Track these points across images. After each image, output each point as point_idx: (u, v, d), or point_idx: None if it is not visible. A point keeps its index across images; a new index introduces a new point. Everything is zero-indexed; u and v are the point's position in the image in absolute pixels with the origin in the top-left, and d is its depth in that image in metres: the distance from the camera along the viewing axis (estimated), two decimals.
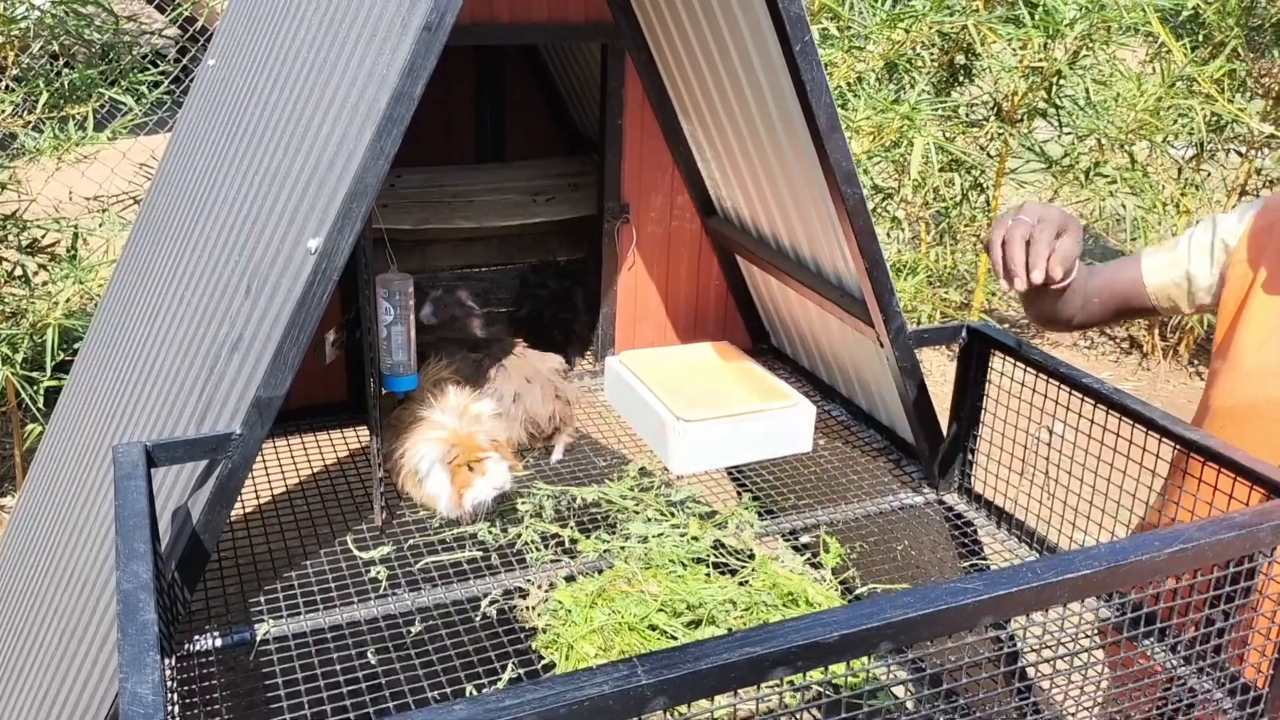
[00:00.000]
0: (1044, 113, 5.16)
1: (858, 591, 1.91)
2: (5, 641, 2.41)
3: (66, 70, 4.17)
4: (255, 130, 2.08)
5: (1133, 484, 1.75)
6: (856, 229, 1.87)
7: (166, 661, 1.39)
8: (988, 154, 5.45)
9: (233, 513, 1.95)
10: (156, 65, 4.67)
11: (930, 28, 4.63)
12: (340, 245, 1.52)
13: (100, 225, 4.29)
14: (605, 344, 2.61)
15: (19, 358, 3.84)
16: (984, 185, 5.50)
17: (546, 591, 1.71)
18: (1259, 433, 1.71)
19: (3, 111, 4.00)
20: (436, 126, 3.25)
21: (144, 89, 4.41)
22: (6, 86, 4.06)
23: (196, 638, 1.66)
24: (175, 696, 1.45)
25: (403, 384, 2.04)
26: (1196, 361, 5.82)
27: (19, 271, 4.08)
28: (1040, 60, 4.82)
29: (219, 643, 1.65)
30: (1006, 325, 6.29)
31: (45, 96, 4.00)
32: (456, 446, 1.96)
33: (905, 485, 2.19)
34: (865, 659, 1.29)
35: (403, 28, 1.52)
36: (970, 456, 2.13)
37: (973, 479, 2.14)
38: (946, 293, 5.62)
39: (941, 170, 5.23)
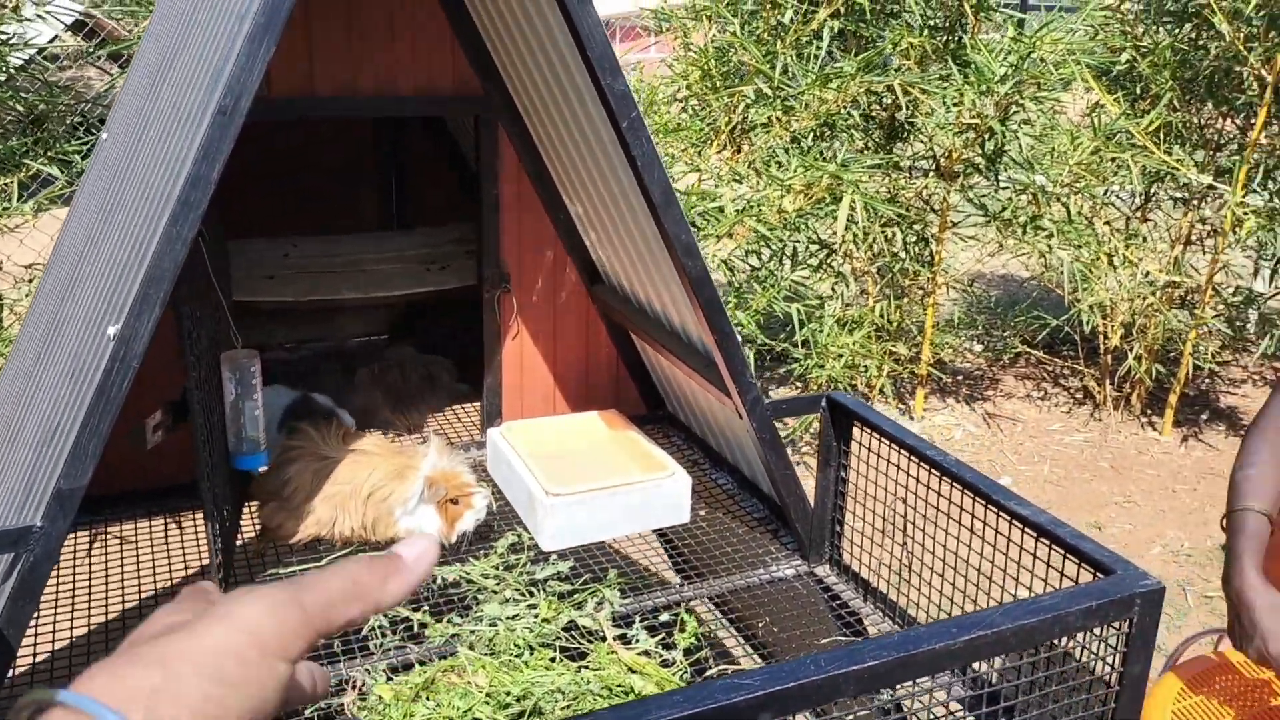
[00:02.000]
0: (980, 168, 5.18)
1: (709, 673, 1.86)
2: None
3: None
4: (110, 209, 2.06)
5: (976, 557, 1.70)
6: (702, 302, 1.85)
7: None
8: (931, 208, 5.46)
9: (66, 603, 1.91)
10: (92, 133, 4.69)
11: (860, 87, 4.65)
12: (139, 331, 1.49)
13: (26, 296, 4.26)
14: (491, 414, 2.58)
15: None
16: (928, 239, 5.51)
17: (362, 687, 1.65)
18: None
19: None
20: (338, 194, 3.24)
21: (75, 158, 4.42)
22: None
23: None
24: None
25: (253, 462, 2.01)
26: (1149, 412, 5.78)
27: None
28: (974, 117, 4.84)
29: None
30: (959, 377, 6.27)
31: None
32: (441, 484, 2.11)
33: (778, 558, 2.15)
34: None
35: (202, 112, 1.50)
36: (838, 528, 2.08)
37: (842, 550, 2.10)
38: (894, 346, 5.59)
39: (885, 225, 5.24)
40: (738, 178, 4.97)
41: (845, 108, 4.85)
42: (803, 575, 2.09)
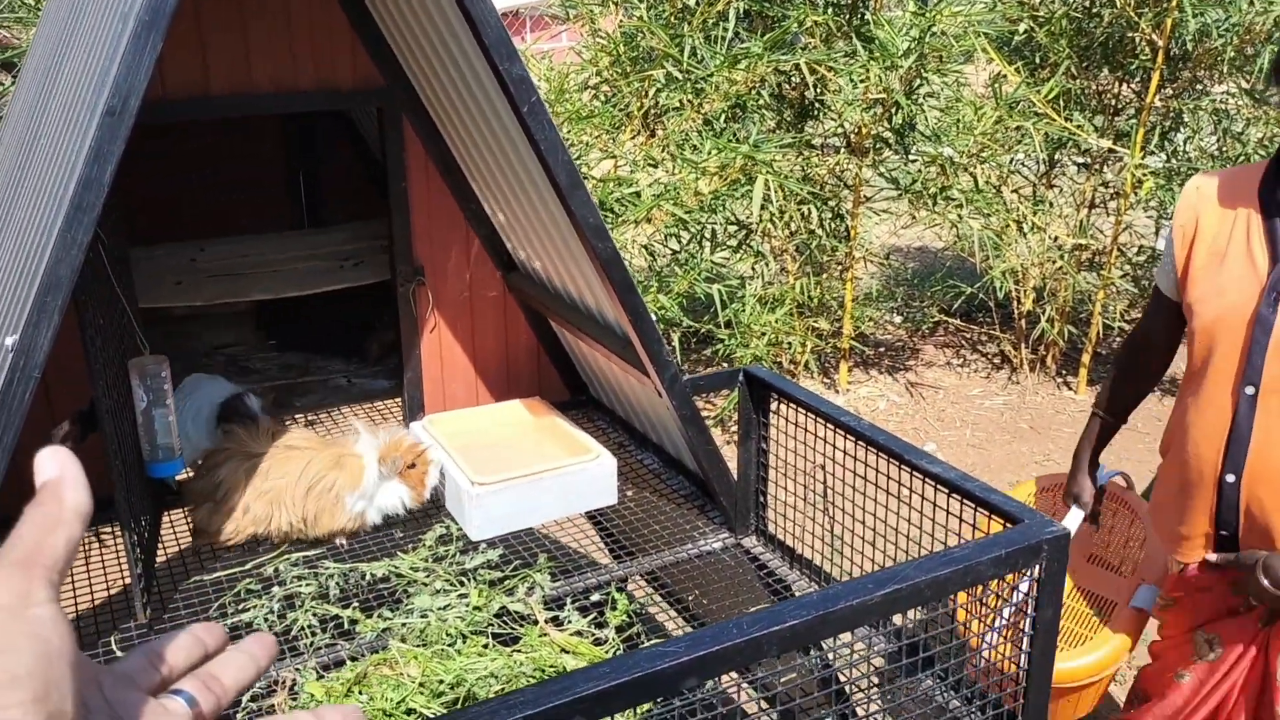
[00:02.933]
0: (890, 143, 5.26)
1: (643, 648, 1.88)
2: None
3: None
4: (4, 219, 2.01)
5: (893, 516, 1.75)
6: (614, 282, 1.86)
7: None
8: (844, 184, 5.54)
9: None
10: None
11: (768, 67, 4.70)
12: (38, 341, 1.46)
13: None
14: (413, 408, 2.56)
15: None
16: (843, 215, 5.59)
17: (292, 686, 1.64)
18: (1230, 336, 1.89)
19: None
20: (246, 195, 3.19)
21: None
22: None
23: None
24: None
25: (168, 469, 1.97)
26: (1065, 373, 5.95)
27: None
28: (881, 93, 4.93)
29: None
30: (881, 349, 6.38)
31: None
32: (396, 455, 2.13)
33: (706, 532, 2.17)
34: None
35: (91, 114, 1.47)
36: (763, 499, 2.12)
37: (767, 520, 2.13)
38: (816, 322, 5.68)
39: (800, 203, 5.30)
40: (653, 162, 4.99)
41: (755, 88, 4.90)
42: (730, 547, 2.13)
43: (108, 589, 2.01)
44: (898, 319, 6.76)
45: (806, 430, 1.94)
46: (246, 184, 3.25)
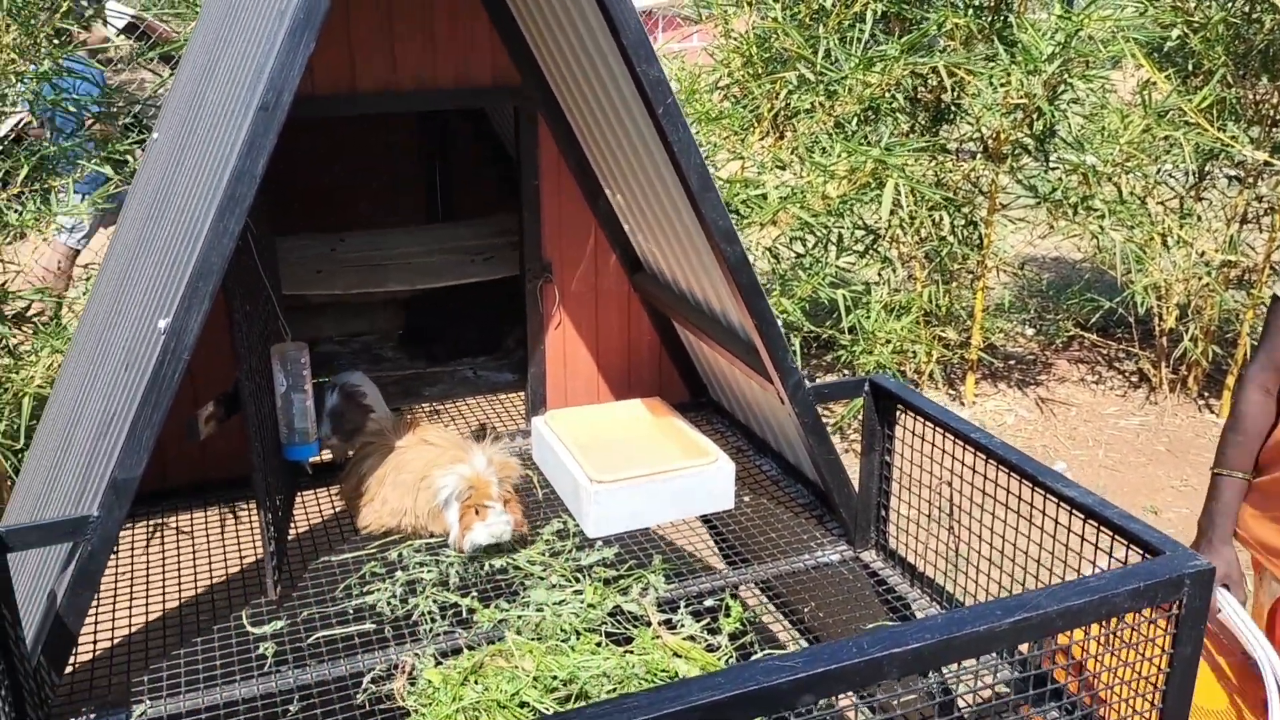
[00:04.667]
0: (1029, 149, 5.10)
1: (754, 658, 1.86)
2: None
3: (46, 142, 4.28)
4: (160, 207, 2.11)
5: (1024, 540, 1.69)
6: (741, 286, 1.85)
7: None
8: (979, 190, 5.39)
9: (130, 590, 1.96)
10: (145, 133, 4.77)
11: (904, 69, 4.61)
12: (189, 324, 1.53)
13: (84, 294, 4.36)
14: (536, 403, 2.60)
15: (1, 428, 3.89)
16: (977, 222, 5.44)
17: (411, 671, 1.68)
18: None
19: None
20: (382, 189, 3.28)
21: (128, 157, 4.51)
22: None
23: None
24: None
25: (304, 452, 2.04)
26: (1206, 394, 5.67)
27: (3, 343, 4.15)
28: (1022, 98, 4.77)
29: None
30: (1011, 362, 6.19)
31: (25, 170, 4.09)
32: (473, 488, 2.05)
33: (824, 543, 2.14)
34: None
35: (245, 108, 1.53)
36: (884, 513, 2.07)
37: (888, 535, 2.09)
38: (943, 331, 5.54)
39: (932, 209, 5.18)
40: (781, 164, 4.94)
41: (889, 91, 4.80)
42: (849, 561, 2.09)
43: (241, 564, 2.09)
44: (1030, 331, 6.54)
45: (932, 444, 1.89)
46: (381, 176, 3.35)
